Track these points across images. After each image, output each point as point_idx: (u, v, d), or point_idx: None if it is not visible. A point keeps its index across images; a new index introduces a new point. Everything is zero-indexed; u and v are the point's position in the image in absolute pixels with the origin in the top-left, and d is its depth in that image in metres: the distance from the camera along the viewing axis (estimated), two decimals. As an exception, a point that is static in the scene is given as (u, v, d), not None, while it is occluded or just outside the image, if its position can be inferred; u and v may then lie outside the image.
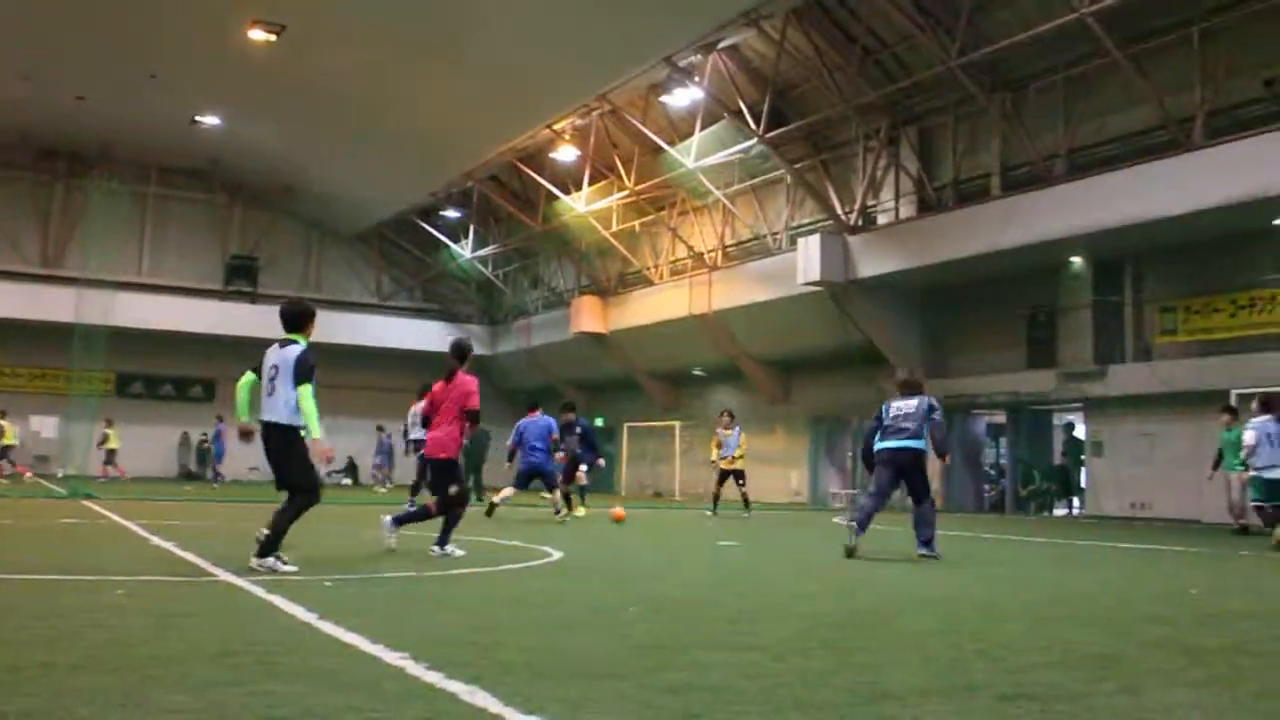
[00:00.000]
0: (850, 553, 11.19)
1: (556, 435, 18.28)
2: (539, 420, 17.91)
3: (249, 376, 9.01)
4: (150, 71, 30.52)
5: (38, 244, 40.06)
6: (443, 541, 10.33)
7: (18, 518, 14.95)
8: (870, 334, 28.69)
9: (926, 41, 23.69)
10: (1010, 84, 25.17)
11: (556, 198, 35.52)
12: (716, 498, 22.26)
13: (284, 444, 8.75)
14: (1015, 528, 19.93)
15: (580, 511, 19.58)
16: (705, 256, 34.24)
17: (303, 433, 8.79)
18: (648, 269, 36.53)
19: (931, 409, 11.67)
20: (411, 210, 41.21)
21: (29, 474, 32.37)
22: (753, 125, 27.51)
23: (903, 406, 11.74)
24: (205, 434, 38.09)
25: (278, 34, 27.35)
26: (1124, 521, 23.10)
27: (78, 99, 32.89)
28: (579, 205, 34.81)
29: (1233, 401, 19.62)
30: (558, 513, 17.54)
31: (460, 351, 10.86)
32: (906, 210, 28.10)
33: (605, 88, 29.72)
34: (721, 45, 27.14)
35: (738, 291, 31.86)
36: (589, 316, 37.72)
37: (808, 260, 27.52)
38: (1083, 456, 26.65)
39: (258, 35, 27.44)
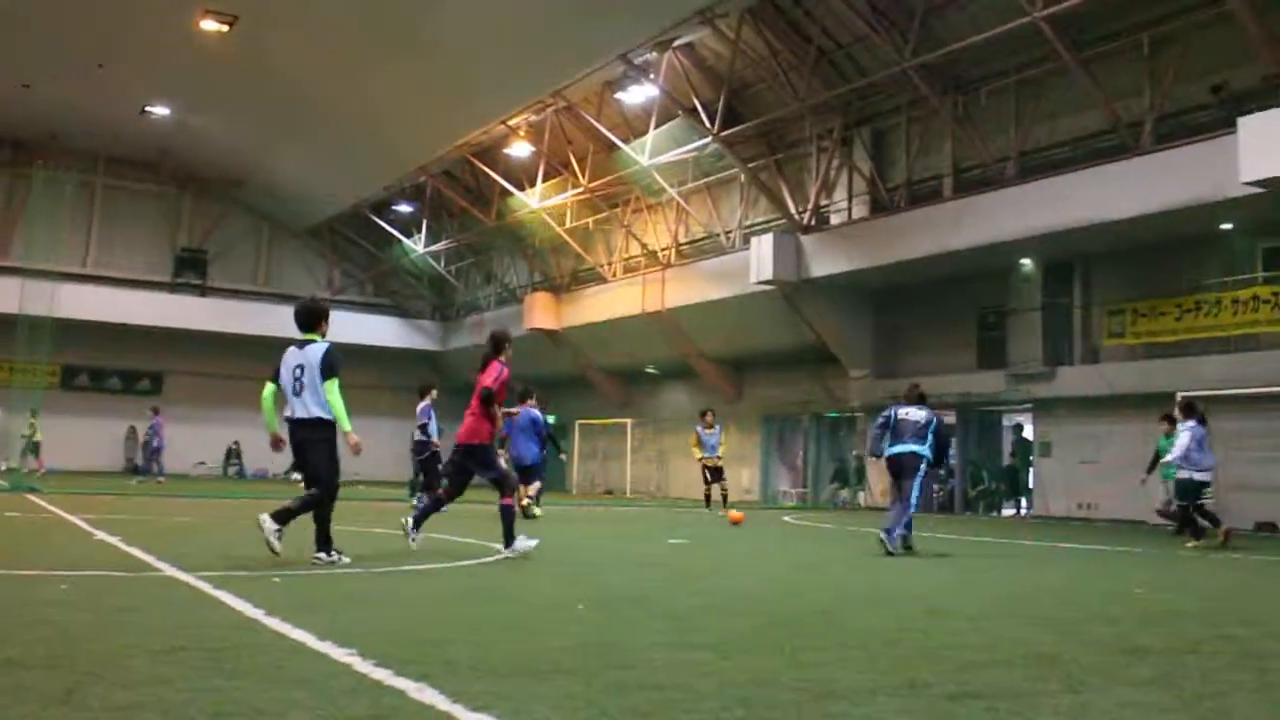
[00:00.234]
0: (892, 553, 11.79)
1: (543, 432, 18.29)
2: (528, 411, 17.93)
3: (270, 387, 9.18)
4: (99, 61, 30.14)
5: (-19, 233, 39.46)
6: (508, 539, 10.24)
7: (-41, 511, 14.72)
8: (822, 333, 28.83)
9: (880, 42, 23.84)
10: (963, 86, 25.39)
11: (510, 194, 35.46)
12: (708, 496, 22.43)
13: (315, 438, 8.93)
14: (964, 528, 20.07)
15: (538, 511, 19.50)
16: (659, 254, 34.28)
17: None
18: (601, 266, 36.51)
19: (931, 423, 12.46)
20: (364, 204, 41.02)
21: None
22: (707, 124, 27.58)
23: (910, 413, 12.54)
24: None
25: (230, 25, 27.13)
26: (1070, 522, 23.34)
27: (24, 86, 32.46)
28: (533, 201, 34.77)
29: (1177, 404, 19.87)
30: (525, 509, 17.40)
31: (496, 342, 10.85)
32: (859, 210, 28.27)
33: (560, 84, 29.70)
34: (677, 43, 27.18)
35: (691, 290, 31.92)
36: (542, 313, 37.66)
37: (760, 259, 27.62)
38: (1031, 457, 26.90)
39: (210, 26, 27.20)
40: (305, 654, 4.90)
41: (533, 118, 32.40)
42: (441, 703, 3.95)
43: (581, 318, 36.63)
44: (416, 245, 41.81)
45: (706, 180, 32.77)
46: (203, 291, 41.75)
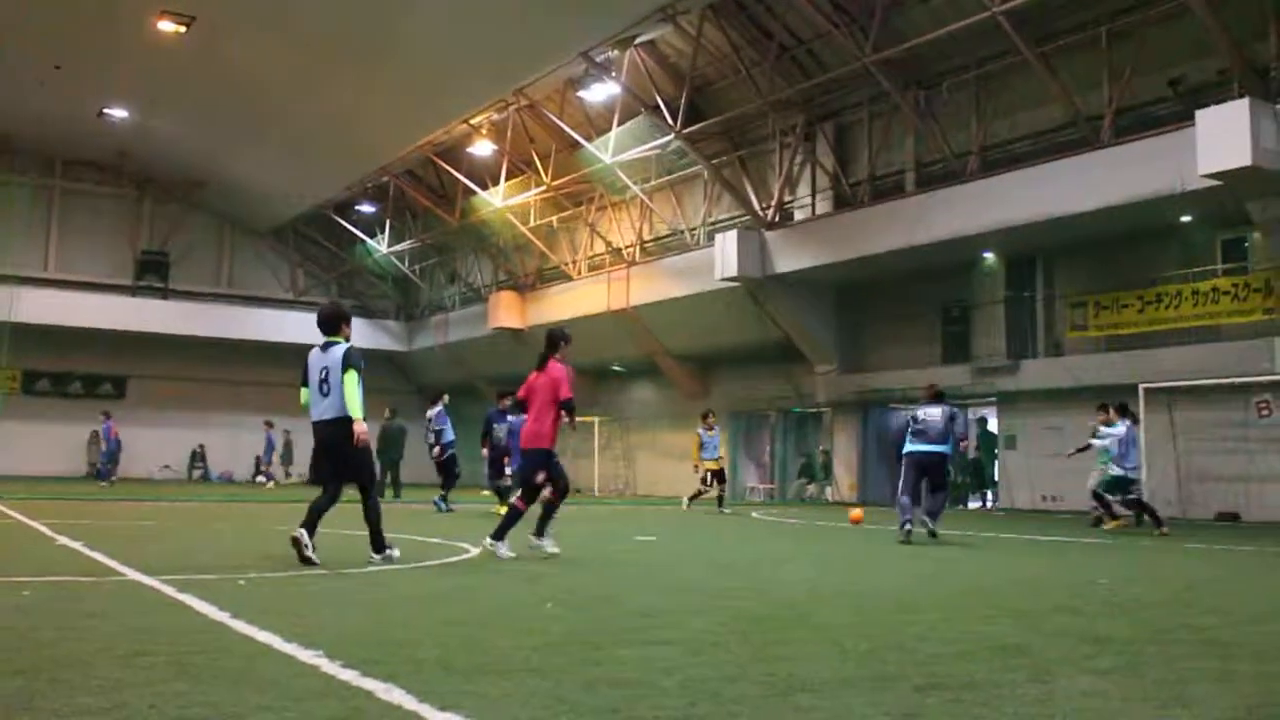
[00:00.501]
0: (907, 540, 13.06)
1: None
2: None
3: (305, 392, 9.29)
4: (55, 62, 29.84)
5: (-63, 239, 39.02)
6: (540, 532, 10.48)
7: (-81, 519, 14.54)
8: (787, 329, 28.91)
9: (842, 38, 23.91)
10: (924, 81, 25.50)
11: (474, 193, 35.35)
12: (719, 498, 22.59)
13: (345, 437, 9.02)
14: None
15: (502, 510, 19.44)
16: (623, 252, 34.27)
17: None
18: (566, 264, 36.46)
19: (952, 418, 13.95)
20: (326, 205, 40.75)
21: None
22: (670, 121, 27.60)
23: (930, 413, 13.83)
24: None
25: (188, 25, 26.88)
26: (1035, 514, 23.48)
27: (-23, 89, 32.12)
28: (496, 200, 34.68)
29: (1140, 395, 20.16)
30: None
31: (551, 340, 10.84)
32: (823, 206, 28.36)
33: (522, 82, 29.61)
34: (639, 41, 27.17)
35: (656, 287, 31.92)
36: (507, 312, 37.59)
37: (725, 256, 27.66)
38: (996, 450, 27.05)
39: (167, 26, 26.93)
40: (272, 656, 4.87)
41: (495, 116, 32.31)
42: (409, 702, 3.94)
43: (547, 316, 36.46)
44: (380, 245, 41.64)
45: (670, 178, 32.77)
46: (165, 294, 41.40)
